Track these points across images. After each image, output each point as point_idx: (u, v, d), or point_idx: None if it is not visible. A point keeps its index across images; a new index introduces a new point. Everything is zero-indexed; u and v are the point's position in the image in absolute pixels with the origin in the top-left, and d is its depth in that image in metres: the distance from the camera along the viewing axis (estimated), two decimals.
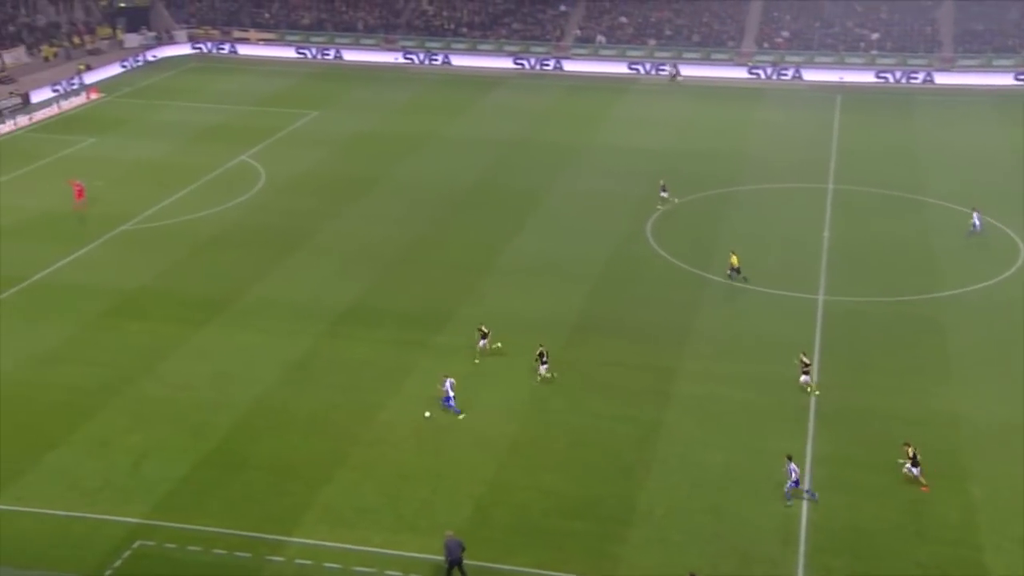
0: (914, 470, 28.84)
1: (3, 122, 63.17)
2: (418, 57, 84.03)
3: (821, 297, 40.31)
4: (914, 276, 42.11)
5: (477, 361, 35.39)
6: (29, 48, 76.79)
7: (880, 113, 67.03)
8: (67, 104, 68.56)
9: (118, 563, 26.36)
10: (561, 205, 50.98)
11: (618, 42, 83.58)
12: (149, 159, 58.18)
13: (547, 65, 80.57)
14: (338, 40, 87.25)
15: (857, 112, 67.10)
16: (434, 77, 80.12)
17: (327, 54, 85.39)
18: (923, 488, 28.71)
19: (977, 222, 45.71)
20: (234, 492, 28.88)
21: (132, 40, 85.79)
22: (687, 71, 77.73)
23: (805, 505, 28.27)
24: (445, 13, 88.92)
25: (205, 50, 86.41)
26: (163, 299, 40.31)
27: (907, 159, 57.48)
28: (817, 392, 33.51)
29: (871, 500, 28.52)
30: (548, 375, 34.23)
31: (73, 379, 34.42)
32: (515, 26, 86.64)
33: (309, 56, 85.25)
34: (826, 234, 46.34)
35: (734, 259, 41.66)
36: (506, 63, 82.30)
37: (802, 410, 32.73)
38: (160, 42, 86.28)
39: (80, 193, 50.40)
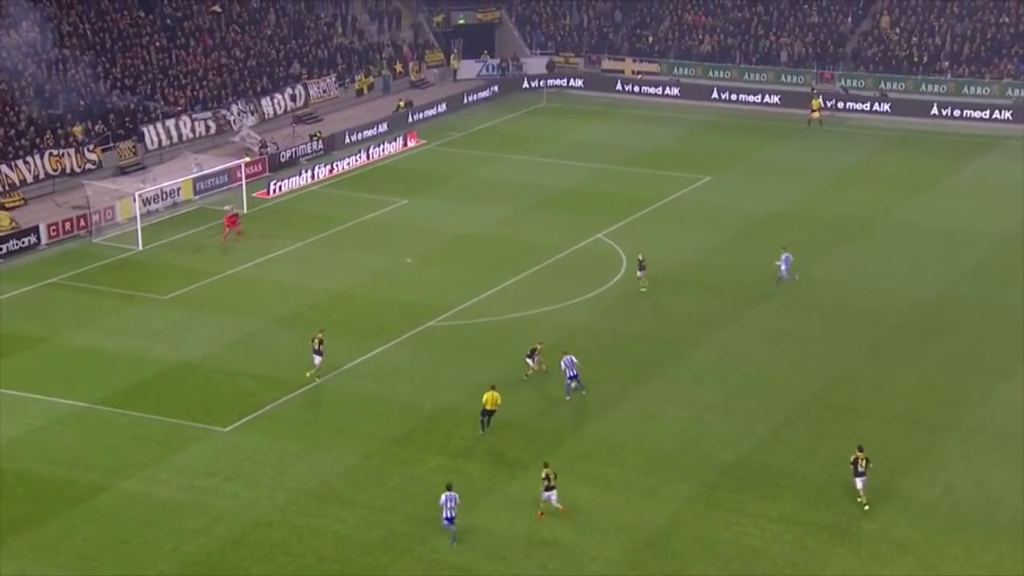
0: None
1: (299, 173, 70.77)
2: (867, 102, 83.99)
3: None
4: None
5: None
6: (340, 77, 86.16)
7: None
8: (378, 152, 75.72)
9: None
10: None
11: None
12: (473, 231, 62.46)
13: None
14: (749, 75, 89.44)
15: None
16: (888, 132, 79.42)
17: (731, 94, 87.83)
18: None
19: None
20: None
21: (469, 69, 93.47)
22: None
23: None
24: (914, 39, 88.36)
25: (563, 84, 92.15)
26: (475, 427, 42.74)
27: None
28: None
29: None
30: (539, 369, 45.48)
31: (347, 527, 37.00)
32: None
33: (705, 96, 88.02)
34: None
35: (489, 397, 41.69)
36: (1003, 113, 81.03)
37: None
38: (505, 73, 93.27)
39: (230, 224, 60.50)
